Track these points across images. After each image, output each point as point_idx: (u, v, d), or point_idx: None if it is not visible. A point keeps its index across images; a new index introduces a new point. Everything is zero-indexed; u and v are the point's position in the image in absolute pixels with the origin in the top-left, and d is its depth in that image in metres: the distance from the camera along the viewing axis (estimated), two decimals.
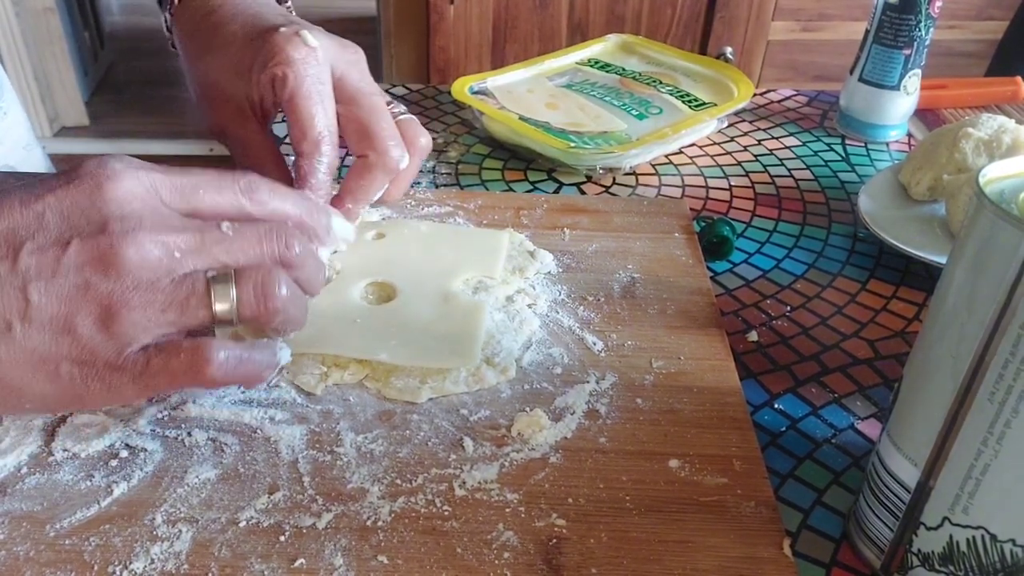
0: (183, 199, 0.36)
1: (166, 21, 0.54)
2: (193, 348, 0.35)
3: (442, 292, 0.48)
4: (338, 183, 0.48)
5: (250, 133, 0.48)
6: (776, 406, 0.46)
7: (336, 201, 0.47)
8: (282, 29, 0.45)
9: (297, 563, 0.34)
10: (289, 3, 0.56)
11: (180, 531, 0.35)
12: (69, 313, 0.33)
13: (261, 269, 0.36)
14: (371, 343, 0.44)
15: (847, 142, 0.76)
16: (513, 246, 0.53)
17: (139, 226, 0.34)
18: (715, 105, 0.75)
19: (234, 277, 0.35)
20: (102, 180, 0.34)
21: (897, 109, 0.74)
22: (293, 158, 0.46)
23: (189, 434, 0.40)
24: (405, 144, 0.48)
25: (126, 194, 0.34)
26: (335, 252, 0.47)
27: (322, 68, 0.45)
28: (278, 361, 0.38)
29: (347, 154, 0.49)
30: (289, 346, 0.41)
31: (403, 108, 0.50)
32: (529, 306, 0.49)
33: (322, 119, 0.45)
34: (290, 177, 0.48)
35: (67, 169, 0.35)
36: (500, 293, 0.49)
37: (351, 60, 0.47)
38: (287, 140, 0.73)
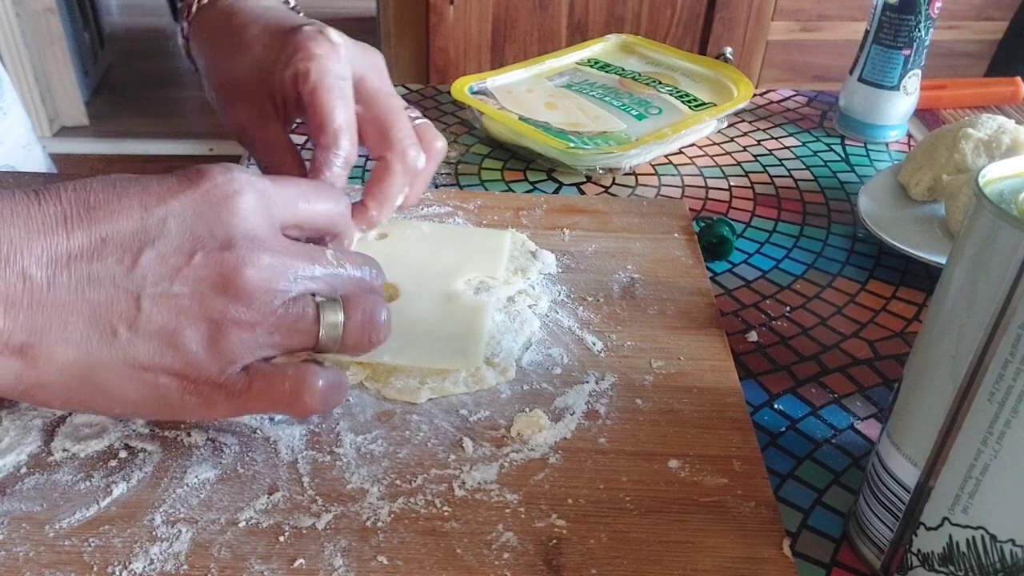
0: (289, 211, 0.37)
1: (183, 31, 0.54)
2: (298, 376, 0.35)
3: (444, 292, 0.48)
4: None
5: (272, 134, 0.48)
6: (776, 406, 0.46)
7: (359, 206, 0.47)
8: (305, 28, 0.46)
9: (297, 564, 0.34)
10: (299, 10, 0.57)
11: (179, 531, 0.35)
12: (178, 326, 0.33)
13: (369, 298, 0.37)
14: None
15: (846, 142, 0.76)
16: (515, 246, 0.53)
17: (263, 247, 0.34)
18: (715, 105, 0.75)
19: (343, 304, 0.36)
20: (229, 193, 0.34)
21: (897, 109, 0.74)
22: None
23: (188, 434, 0.40)
24: (422, 147, 0.49)
25: (249, 210, 0.34)
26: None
27: (343, 66, 0.45)
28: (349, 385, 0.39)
29: (366, 159, 0.49)
30: (436, 394, 0.43)
31: (418, 113, 0.51)
32: (530, 307, 0.49)
33: (341, 113, 0.45)
34: (305, 172, 0.48)
35: (187, 172, 0.34)
36: (502, 293, 0.49)
37: (371, 63, 0.48)
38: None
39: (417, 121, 0.50)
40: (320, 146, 0.44)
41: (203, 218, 0.33)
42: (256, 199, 0.34)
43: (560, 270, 0.52)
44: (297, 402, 0.35)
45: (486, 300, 0.48)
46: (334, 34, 0.46)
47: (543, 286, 0.51)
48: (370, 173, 0.48)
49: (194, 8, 0.53)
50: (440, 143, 0.50)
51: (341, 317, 0.35)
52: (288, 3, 0.56)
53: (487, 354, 0.45)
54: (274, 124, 0.48)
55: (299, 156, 0.49)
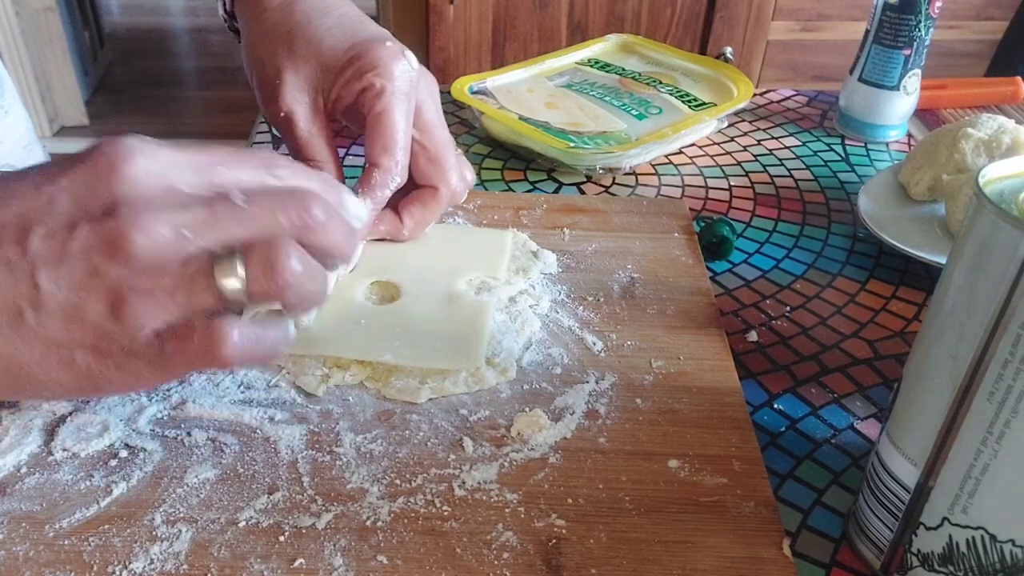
0: (199, 176, 0.34)
1: (224, 4, 0.55)
2: (206, 329, 0.33)
3: (446, 292, 0.48)
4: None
5: (317, 127, 0.49)
6: (776, 406, 0.46)
7: (388, 213, 0.49)
8: (388, 44, 0.47)
9: (296, 563, 0.34)
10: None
11: (179, 531, 0.35)
12: (79, 300, 0.32)
13: (270, 243, 0.34)
14: (375, 344, 0.44)
15: (847, 142, 0.76)
16: (517, 246, 0.53)
17: (147, 207, 0.32)
18: (715, 105, 0.75)
19: (243, 253, 0.33)
20: (115, 160, 0.33)
21: (897, 109, 0.74)
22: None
23: (189, 434, 0.40)
24: None
25: (139, 174, 0.33)
26: (351, 270, 0.49)
27: (413, 92, 0.47)
28: (291, 337, 0.36)
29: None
30: (435, 394, 0.42)
31: (460, 152, 0.53)
32: (531, 307, 0.49)
33: (404, 139, 0.46)
34: (343, 174, 0.50)
35: (85, 149, 0.33)
36: (503, 294, 0.49)
37: (430, 91, 0.49)
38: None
39: (455, 151, 0.52)
40: (380, 166, 0.46)
41: (90, 188, 0.32)
42: (148, 162, 0.33)
43: (560, 270, 0.52)
44: (213, 355, 0.33)
45: (487, 300, 0.48)
46: (414, 59, 0.47)
47: (544, 286, 0.51)
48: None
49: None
50: (471, 176, 0.52)
51: (239, 267, 0.33)
52: None
53: (488, 354, 0.45)
54: (320, 117, 0.49)
55: (336, 151, 0.50)
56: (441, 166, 0.49)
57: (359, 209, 0.40)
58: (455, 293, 0.48)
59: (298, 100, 0.48)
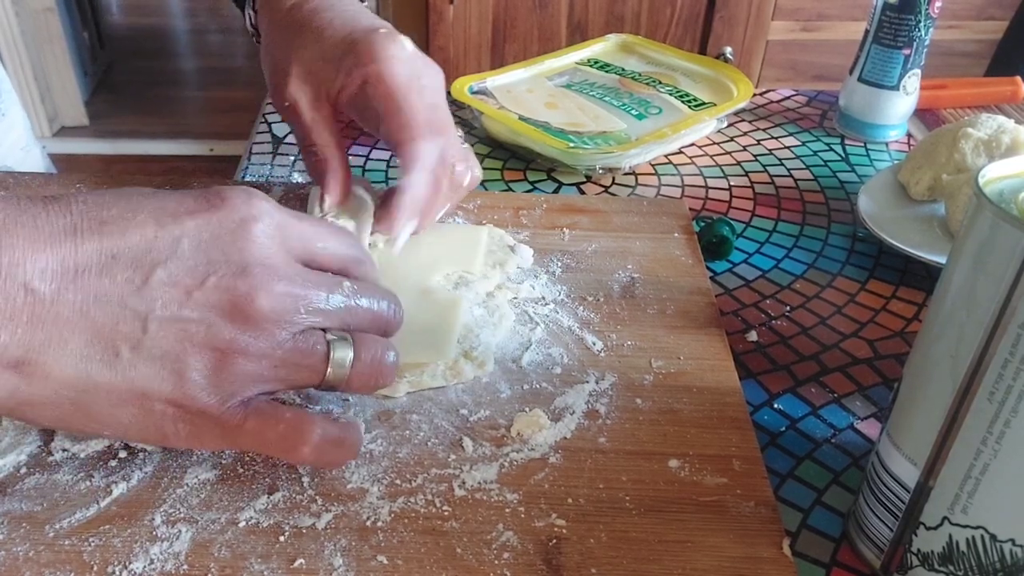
0: (305, 248, 0.35)
1: (250, 18, 0.56)
2: (294, 423, 0.34)
3: (420, 287, 0.48)
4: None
5: (321, 115, 0.49)
6: (776, 406, 0.46)
7: (382, 211, 0.49)
8: (382, 31, 0.47)
9: (296, 563, 0.34)
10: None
11: (179, 531, 0.35)
12: (183, 352, 0.31)
13: (380, 342, 0.36)
14: None
15: (846, 142, 0.76)
16: (493, 241, 0.54)
17: (276, 276, 0.32)
18: (714, 105, 0.75)
19: (353, 343, 0.35)
20: (247, 218, 0.33)
21: (896, 109, 0.74)
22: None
23: None
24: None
25: (266, 237, 0.33)
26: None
27: (415, 72, 0.47)
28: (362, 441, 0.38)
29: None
30: (413, 387, 0.43)
31: (462, 135, 0.53)
32: (510, 301, 0.49)
33: (421, 112, 0.46)
34: (348, 174, 0.50)
35: (206, 193, 0.33)
36: (481, 288, 0.49)
37: (433, 75, 0.49)
38: (286, 140, 0.73)
39: (463, 145, 0.51)
40: (409, 139, 0.46)
41: (218, 242, 0.32)
42: (273, 228, 0.33)
43: (560, 270, 0.52)
44: (290, 450, 0.34)
45: (461, 295, 0.48)
46: (407, 41, 0.47)
47: (544, 286, 0.51)
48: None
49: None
50: (477, 171, 0.52)
51: (351, 356, 0.34)
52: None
53: (465, 347, 0.45)
54: (326, 107, 0.49)
55: (343, 145, 0.50)
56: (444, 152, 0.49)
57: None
58: (429, 288, 0.48)
59: (302, 90, 0.49)
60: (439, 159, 0.48)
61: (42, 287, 0.30)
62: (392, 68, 0.46)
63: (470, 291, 0.49)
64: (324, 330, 0.34)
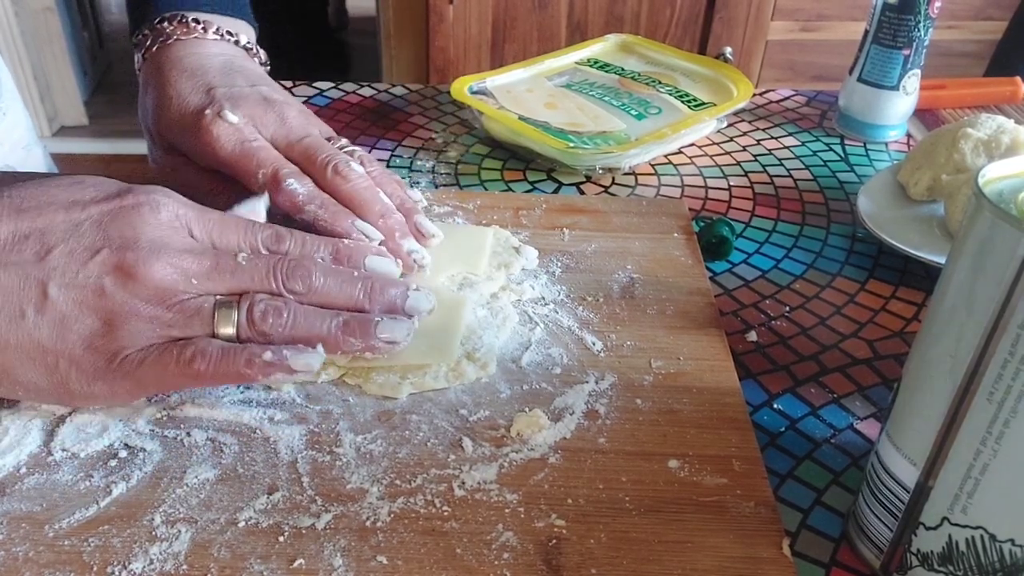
0: (209, 238, 0.40)
1: (136, 63, 0.57)
2: (185, 343, 0.37)
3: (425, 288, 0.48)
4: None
5: (190, 177, 0.52)
6: (775, 406, 0.46)
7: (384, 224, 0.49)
8: (206, 113, 0.49)
9: (296, 563, 0.34)
10: (259, 54, 0.59)
11: (179, 531, 0.35)
12: (80, 313, 0.36)
13: (258, 296, 0.39)
14: None
15: (846, 142, 0.76)
16: (498, 242, 0.53)
17: (164, 249, 0.37)
18: (714, 105, 0.75)
19: (238, 302, 0.39)
20: (144, 203, 0.38)
21: (896, 109, 0.74)
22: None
23: (188, 434, 0.40)
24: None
25: (163, 222, 0.38)
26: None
27: (247, 132, 0.49)
28: (267, 360, 0.38)
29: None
30: (416, 389, 0.43)
31: (346, 142, 0.52)
32: (514, 303, 0.49)
33: (266, 160, 0.48)
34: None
35: (118, 186, 0.39)
36: (485, 290, 0.49)
37: (272, 119, 0.50)
38: None
39: (346, 148, 0.51)
40: (274, 193, 0.47)
41: (115, 222, 0.37)
42: (171, 215, 0.39)
43: (560, 270, 0.52)
44: (188, 368, 0.37)
45: (464, 296, 0.48)
46: (230, 114, 0.49)
47: (543, 287, 0.51)
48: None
49: (141, 58, 0.55)
50: (374, 167, 0.51)
51: (235, 316, 0.39)
52: (239, 43, 0.57)
53: (468, 349, 0.45)
54: (190, 168, 0.52)
55: (229, 183, 0.51)
56: (316, 167, 0.49)
57: (416, 296, 0.45)
58: (433, 289, 0.48)
59: (171, 156, 0.53)
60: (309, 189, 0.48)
61: None
62: (220, 151, 0.48)
63: (474, 292, 0.49)
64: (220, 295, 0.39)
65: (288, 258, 0.41)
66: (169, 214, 0.39)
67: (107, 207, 0.38)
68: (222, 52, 0.55)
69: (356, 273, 0.43)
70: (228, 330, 0.38)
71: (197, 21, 0.54)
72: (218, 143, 0.48)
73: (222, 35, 0.55)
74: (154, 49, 0.54)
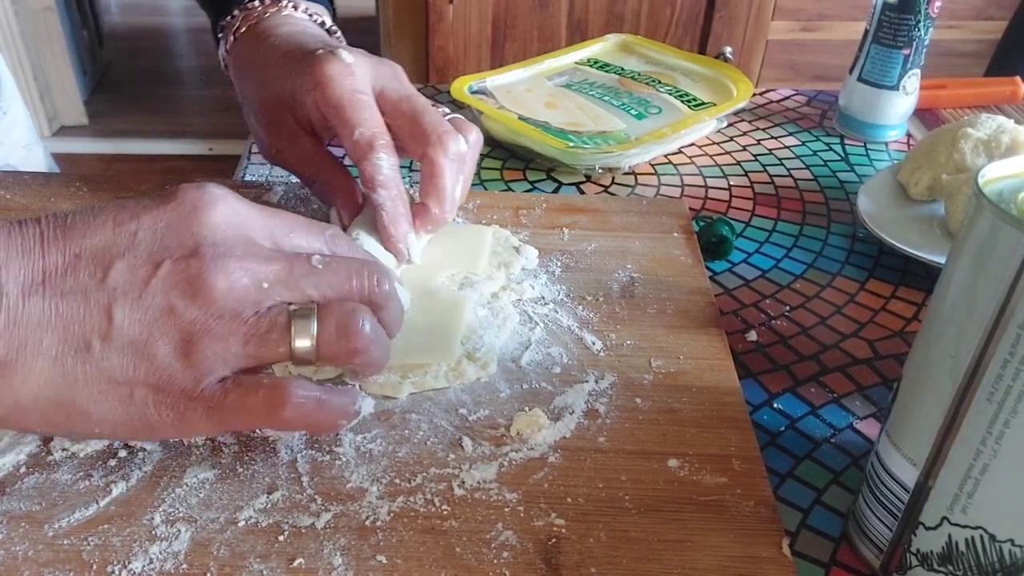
0: (272, 238, 0.36)
1: (223, 59, 0.56)
2: (272, 387, 0.34)
3: (424, 287, 0.48)
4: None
5: (306, 148, 0.49)
6: (775, 406, 0.46)
7: (420, 208, 0.47)
8: (319, 52, 0.47)
9: (296, 563, 0.34)
10: (339, 33, 0.58)
11: (179, 531, 0.35)
12: (150, 337, 0.32)
13: (346, 306, 0.35)
14: None
15: (846, 142, 0.76)
16: (498, 242, 0.53)
17: (230, 253, 0.33)
18: (714, 105, 0.75)
19: (317, 313, 0.34)
20: (199, 204, 0.34)
21: (896, 109, 0.74)
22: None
23: None
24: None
25: (220, 221, 0.34)
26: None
27: (359, 81, 0.46)
28: (358, 410, 0.37)
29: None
30: (371, 397, 0.41)
31: (447, 110, 0.51)
32: (514, 303, 0.49)
33: (369, 121, 0.45)
34: (354, 186, 0.49)
35: (165, 191, 0.35)
36: (486, 289, 0.49)
37: (388, 73, 0.49)
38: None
39: (449, 116, 0.50)
40: (360, 158, 0.45)
41: (172, 229, 0.33)
42: (229, 212, 0.34)
43: (560, 269, 0.52)
44: (273, 413, 0.34)
45: (465, 295, 0.48)
46: (345, 54, 0.47)
47: (543, 286, 0.51)
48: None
49: (231, 38, 0.55)
50: (475, 134, 0.49)
51: (314, 327, 0.34)
52: (324, 24, 0.57)
53: (468, 349, 0.45)
54: (304, 139, 0.49)
55: (338, 162, 0.50)
56: (420, 134, 0.47)
57: (403, 292, 0.42)
58: (432, 288, 0.48)
59: (278, 136, 0.50)
60: (394, 166, 0.46)
61: (14, 291, 0.32)
62: (331, 88, 0.45)
63: (475, 292, 0.49)
64: (291, 304, 0.35)
65: (369, 264, 0.37)
66: (227, 210, 0.34)
67: (160, 212, 0.33)
68: (314, 27, 0.55)
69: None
70: (306, 344, 0.34)
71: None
72: (330, 82, 0.45)
73: (310, 15, 0.55)
74: (243, 29, 0.53)
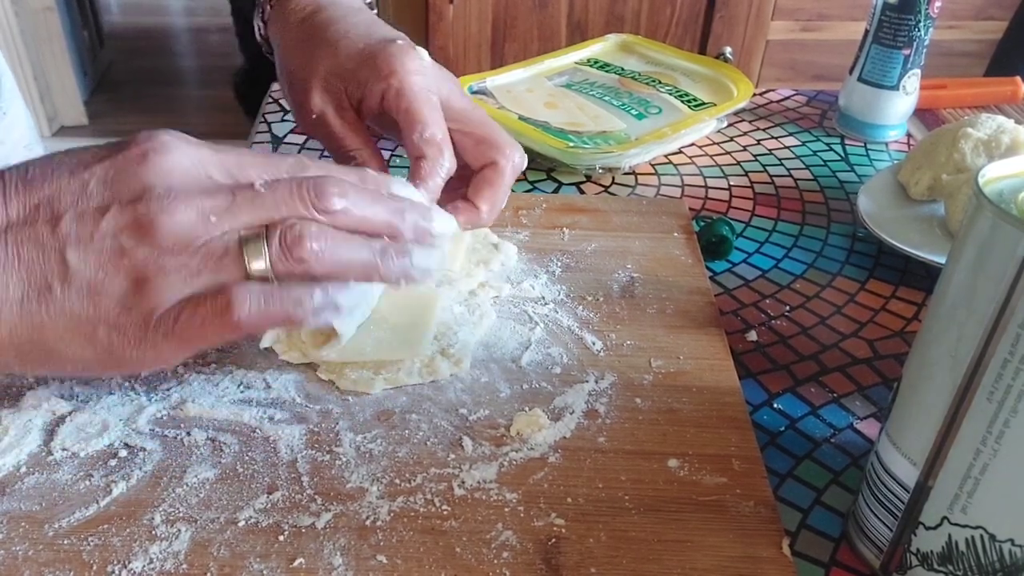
0: (229, 176, 0.36)
1: (262, 14, 0.55)
2: (216, 292, 0.35)
3: None
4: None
5: (349, 122, 0.49)
6: (775, 406, 0.46)
7: (467, 206, 0.48)
8: (399, 42, 0.47)
9: (296, 563, 0.34)
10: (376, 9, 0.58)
11: (179, 531, 0.35)
12: (105, 276, 0.34)
13: (288, 221, 0.36)
14: (318, 338, 0.44)
15: (846, 142, 0.76)
16: (477, 239, 0.53)
17: (175, 193, 0.34)
18: (714, 105, 0.75)
19: (266, 234, 0.35)
20: (148, 151, 0.35)
21: (896, 109, 0.74)
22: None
23: (188, 433, 0.40)
24: None
25: (171, 166, 0.35)
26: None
27: (432, 81, 0.47)
28: (314, 299, 0.36)
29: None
30: (389, 384, 0.41)
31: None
32: (493, 299, 0.49)
33: (439, 123, 0.46)
34: (386, 167, 0.49)
35: (121, 140, 0.36)
36: (463, 287, 0.49)
37: (452, 82, 0.49)
38: (286, 139, 0.73)
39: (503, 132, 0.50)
40: (425, 156, 0.45)
41: (122, 175, 0.35)
42: (180, 156, 0.35)
43: (560, 269, 0.52)
44: (225, 316, 0.35)
45: (437, 292, 0.48)
46: (424, 52, 0.47)
47: (544, 286, 0.51)
48: (476, 178, 0.48)
49: (267, 8, 0.54)
50: (521, 155, 0.50)
51: (264, 248, 0.35)
52: (372, 6, 0.57)
53: (442, 345, 0.45)
54: (350, 113, 0.49)
55: (375, 143, 0.50)
56: (492, 142, 0.48)
57: (441, 220, 0.41)
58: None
59: (326, 101, 0.49)
60: (448, 174, 0.46)
61: None
62: (410, 81, 0.46)
63: (452, 289, 0.49)
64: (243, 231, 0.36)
65: (313, 178, 0.37)
66: (179, 156, 0.35)
67: (111, 161, 0.35)
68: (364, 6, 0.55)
69: (385, 193, 0.40)
70: (260, 264, 0.35)
71: None
72: (408, 76, 0.46)
73: None
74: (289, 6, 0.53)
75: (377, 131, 0.51)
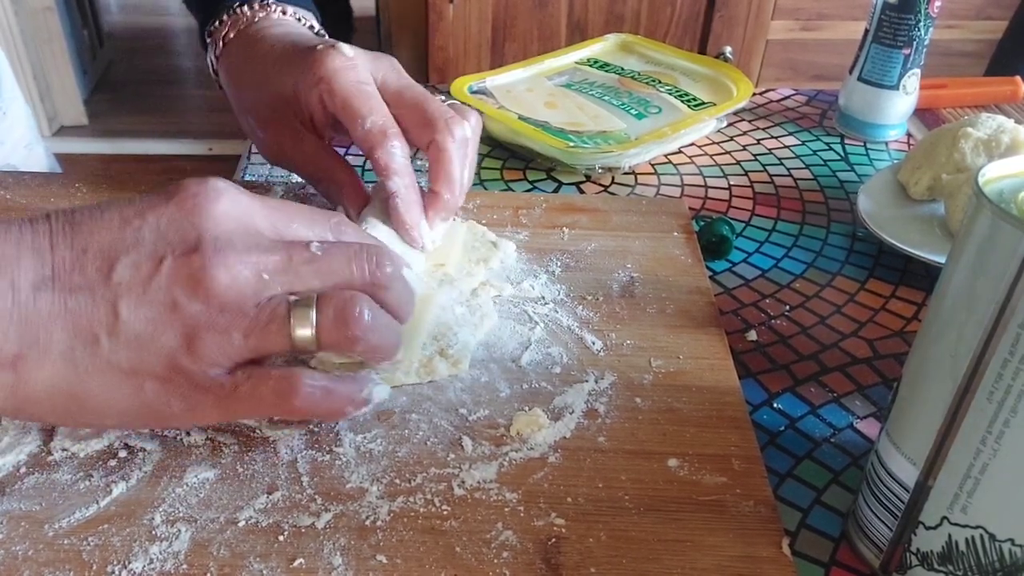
0: (275, 229, 0.36)
1: (212, 64, 0.56)
2: (282, 377, 0.35)
3: None
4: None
5: (309, 147, 0.50)
6: (775, 405, 0.46)
7: (432, 196, 0.47)
8: (319, 47, 0.47)
9: (296, 563, 0.34)
10: (326, 37, 0.58)
11: (179, 531, 0.35)
12: (156, 331, 0.33)
13: (344, 294, 0.35)
14: None
15: (846, 141, 0.76)
16: (475, 237, 0.53)
17: (230, 246, 0.34)
18: (714, 105, 0.75)
19: (317, 301, 0.35)
20: (200, 199, 0.34)
21: (896, 109, 0.74)
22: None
23: (187, 434, 0.40)
24: None
25: (222, 214, 0.34)
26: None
27: (362, 72, 0.47)
28: (367, 397, 0.37)
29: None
30: (386, 383, 0.41)
31: (443, 97, 0.51)
32: (494, 299, 0.49)
33: (378, 111, 0.46)
34: (359, 181, 0.50)
35: (169, 187, 0.35)
36: (464, 287, 0.49)
37: (386, 65, 0.49)
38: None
39: (447, 103, 0.50)
40: (373, 147, 0.45)
41: (175, 225, 0.34)
42: (230, 205, 0.35)
43: (560, 269, 0.52)
44: (283, 403, 0.35)
45: (435, 292, 0.48)
46: (346, 48, 0.47)
47: (544, 286, 0.51)
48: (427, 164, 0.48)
49: (220, 44, 0.55)
50: (474, 118, 0.49)
51: (313, 316, 0.34)
52: (313, 28, 0.57)
53: (441, 345, 0.45)
54: (308, 138, 0.50)
55: (342, 159, 0.50)
56: (425, 118, 0.47)
57: (412, 276, 0.41)
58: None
59: (281, 135, 0.50)
60: (406, 153, 0.46)
61: (25, 287, 0.32)
62: (338, 79, 0.46)
63: (453, 289, 0.49)
64: (293, 295, 0.35)
65: (368, 247, 0.37)
66: (229, 203, 0.35)
67: (163, 209, 0.34)
68: (303, 29, 0.55)
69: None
70: (306, 332, 0.34)
71: (275, 3, 0.55)
72: (334, 75, 0.46)
73: (298, 18, 0.56)
74: (233, 35, 0.54)
75: (345, 140, 0.51)
